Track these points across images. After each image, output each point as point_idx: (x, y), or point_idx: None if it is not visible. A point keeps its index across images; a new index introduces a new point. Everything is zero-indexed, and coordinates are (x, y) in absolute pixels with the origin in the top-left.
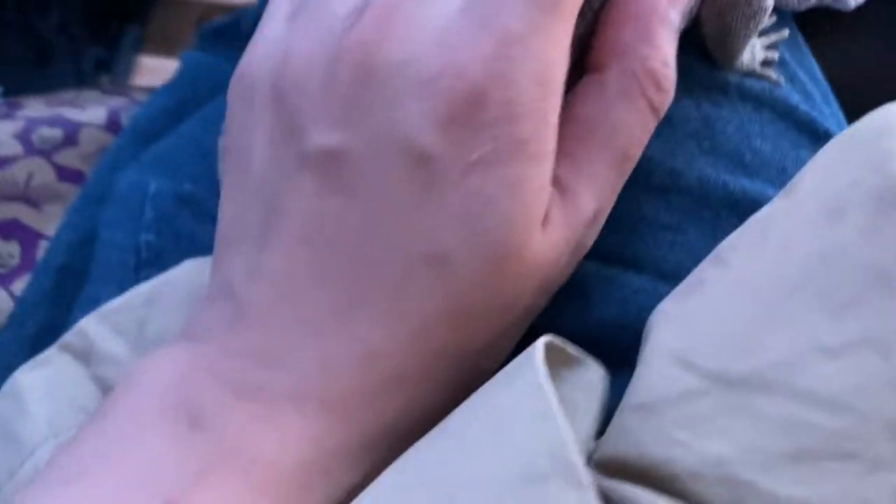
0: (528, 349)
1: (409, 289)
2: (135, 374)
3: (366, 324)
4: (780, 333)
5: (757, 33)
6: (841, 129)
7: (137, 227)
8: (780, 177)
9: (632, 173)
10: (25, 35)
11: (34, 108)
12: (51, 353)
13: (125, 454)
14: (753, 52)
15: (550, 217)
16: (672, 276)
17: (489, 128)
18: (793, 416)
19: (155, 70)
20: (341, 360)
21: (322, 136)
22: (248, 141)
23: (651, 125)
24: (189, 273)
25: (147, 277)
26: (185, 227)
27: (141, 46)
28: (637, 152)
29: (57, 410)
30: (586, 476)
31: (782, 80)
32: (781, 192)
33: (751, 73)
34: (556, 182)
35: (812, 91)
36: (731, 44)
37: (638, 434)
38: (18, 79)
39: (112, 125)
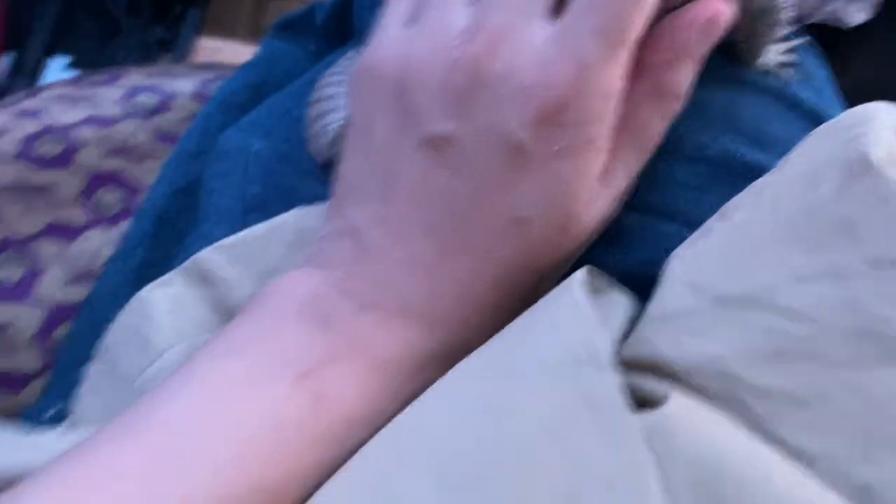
0: (570, 276)
1: (496, 243)
2: (275, 285)
3: (461, 267)
4: (766, 264)
5: (776, 39)
6: None
7: (244, 179)
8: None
9: (668, 145)
10: (98, 14)
11: (134, 77)
12: (171, 276)
13: (272, 339)
14: (773, 55)
15: (597, 192)
16: (697, 225)
17: (568, 128)
18: (773, 326)
19: (212, 50)
20: (440, 292)
21: (438, 125)
22: (371, 120)
23: (665, 126)
24: (297, 219)
25: (255, 220)
26: (286, 181)
27: (200, 28)
28: (652, 147)
29: (179, 322)
30: (612, 363)
31: (796, 78)
32: (775, 167)
33: (769, 72)
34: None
35: (822, 89)
36: (755, 47)
37: (654, 340)
38: (87, 52)
39: (199, 96)
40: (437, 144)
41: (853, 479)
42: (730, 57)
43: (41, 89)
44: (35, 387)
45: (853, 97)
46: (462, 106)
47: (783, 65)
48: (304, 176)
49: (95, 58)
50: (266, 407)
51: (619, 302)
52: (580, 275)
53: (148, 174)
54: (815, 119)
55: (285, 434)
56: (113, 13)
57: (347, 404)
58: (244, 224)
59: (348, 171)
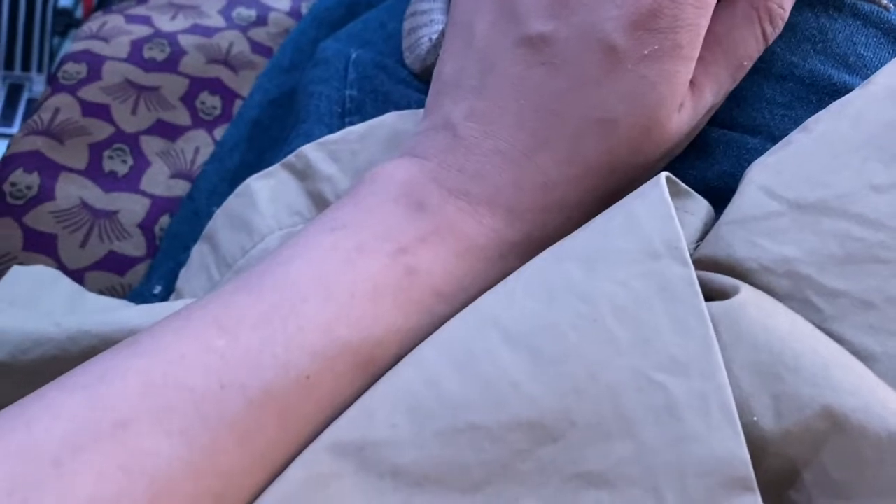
0: (654, 178)
1: (582, 141)
2: (375, 172)
3: (548, 161)
4: (843, 174)
5: None
6: None
7: (342, 84)
8: None
9: (758, 63)
10: None
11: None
12: (275, 169)
13: (373, 218)
14: None
15: (685, 103)
16: (780, 139)
17: (660, 33)
18: (846, 232)
19: None
20: (526, 184)
21: (538, 24)
22: (472, 18)
23: (761, 46)
24: (393, 121)
25: (352, 122)
26: (382, 87)
27: None
28: (748, 65)
29: (279, 211)
30: (688, 258)
31: (891, 6)
32: (860, 86)
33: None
34: (693, 78)
35: None
36: None
37: (729, 240)
38: None
39: (294, 12)
40: (535, 43)
41: None
42: None
43: None
44: (138, 271)
45: None
46: (561, 7)
47: None
48: (399, 83)
49: None
50: (367, 274)
51: (699, 206)
52: (663, 176)
53: (245, 83)
54: None
55: (382, 299)
56: None
57: (436, 279)
58: (342, 126)
59: (446, 70)
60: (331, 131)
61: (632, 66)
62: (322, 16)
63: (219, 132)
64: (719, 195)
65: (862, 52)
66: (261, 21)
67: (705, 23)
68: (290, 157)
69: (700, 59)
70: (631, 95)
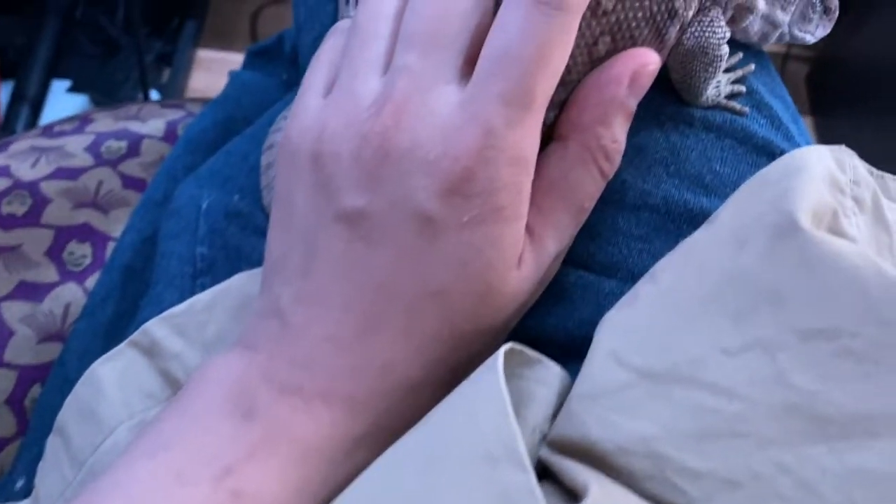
0: (493, 356)
1: (416, 315)
2: (202, 372)
3: (383, 341)
4: (692, 337)
5: (719, 74)
6: (807, 143)
7: (193, 239)
8: None
9: (609, 193)
10: (95, 35)
11: (103, 122)
12: (122, 349)
13: (196, 432)
14: (719, 87)
15: (524, 258)
16: (639, 278)
17: (476, 198)
18: (700, 403)
19: (212, 62)
20: (363, 369)
21: (352, 199)
22: (291, 193)
23: (601, 185)
24: (240, 284)
25: (203, 284)
26: (233, 240)
27: (199, 40)
28: (589, 205)
29: (129, 396)
30: (528, 462)
31: (746, 109)
32: (705, 223)
33: (716, 106)
34: (528, 229)
35: (779, 114)
36: (694, 86)
37: (581, 417)
38: (87, 74)
39: (169, 136)
40: (351, 218)
41: None
42: (672, 94)
43: (10, 142)
44: (11, 451)
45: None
46: (372, 180)
47: (731, 96)
48: (251, 233)
49: (95, 79)
50: None
51: (551, 374)
52: (501, 355)
53: (117, 223)
54: (769, 153)
55: None
56: (110, 32)
57: (268, 499)
58: (193, 289)
59: (272, 246)
60: (181, 296)
61: (453, 234)
62: (196, 139)
63: (92, 282)
64: (581, 345)
65: (718, 168)
66: (132, 152)
67: (527, 178)
68: (136, 335)
69: (537, 206)
70: (457, 264)
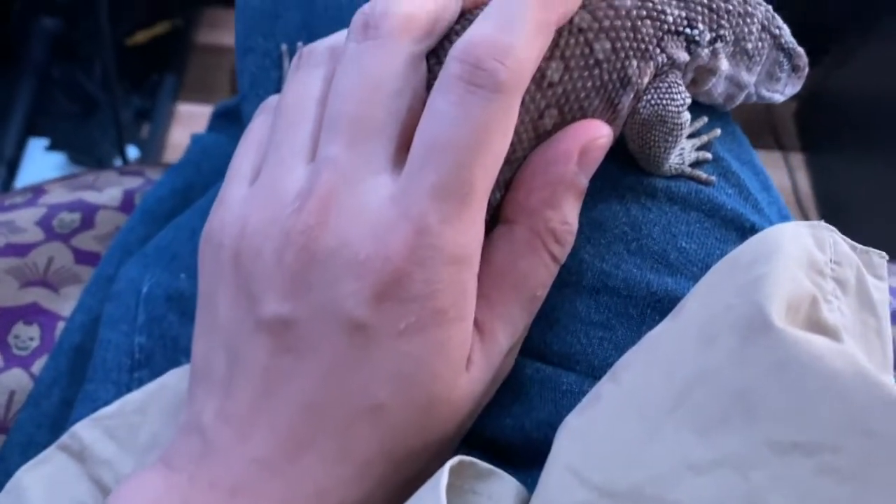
0: (437, 474)
1: (351, 434)
2: (120, 491)
3: (315, 464)
4: (656, 450)
5: (681, 141)
6: (780, 214)
7: (132, 329)
8: (704, 272)
9: (566, 276)
10: (73, 92)
11: (57, 193)
12: (50, 453)
13: None
14: (683, 155)
15: (473, 358)
16: (600, 371)
17: (413, 302)
18: None
19: (192, 116)
20: (293, 496)
21: (274, 305)
22: (213, 294)
23: (553, 270)
24: (175, 382)
25: (140, 379)
26: (172, 330)
27: (178, 95)
28: (542, 293)
29: None
30: None
31: (713, 179)
32: (671, 314)
33: (680, 175)
34: (476, 324)
35: (748, 183)
36: (654, 157)
37: None
38: (64, 131)
39: (126, 205)
40: (273, 327)
41: None
42: (633, 164)
43: None
44: None
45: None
46: (296, 284)
47: (696, 163)
48: (190, 321)
49: (73, 137)
50: None
51: (505, 487)
52: (445, 474)
53: (68, 302)
54: (738, 226)
55: None
56: (87, 89)
57: None
58: (130, 384)
59: (197, 351)
60: (118, 391)
61: (389, 344)
62: (153, 209)
63: (39, 366)
64: (539, 449)
65: (684, 244)
66: (87, 224)
67: (470, 276)
68: (65, 438)
69: (485, 298)
70: (395, 376)
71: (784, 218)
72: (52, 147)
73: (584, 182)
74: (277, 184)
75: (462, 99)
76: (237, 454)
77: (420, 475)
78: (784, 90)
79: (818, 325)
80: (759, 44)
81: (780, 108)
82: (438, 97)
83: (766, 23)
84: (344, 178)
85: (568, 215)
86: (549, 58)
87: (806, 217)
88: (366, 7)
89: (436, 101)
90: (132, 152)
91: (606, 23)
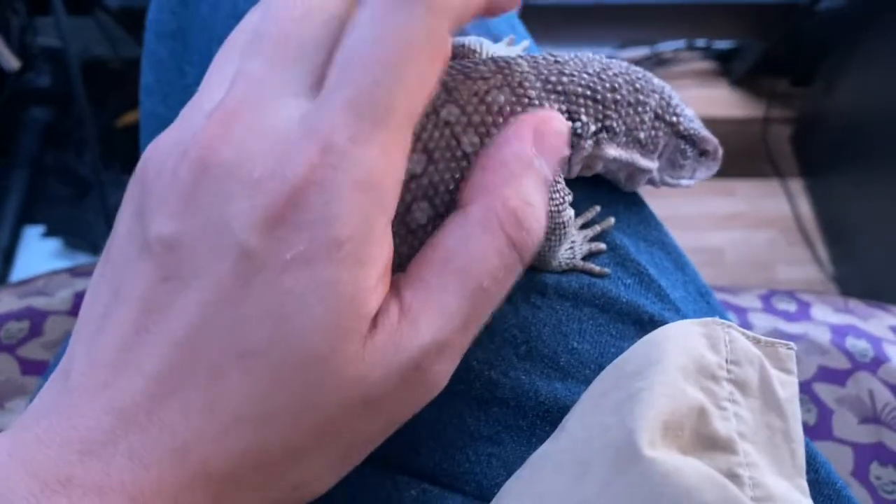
0: None
1: (219, 383)
2: None
3: (176, 415)
4: None
5: (569, 236)
6: (698, 292)
7: None
8: (598, 373)
9: (456, 386)
10: (64, 175)
11: (6, 302)
12: None
13: None
14: (574, 248)
15: (377, 334)
16: (489, 493)
17: (306, 229)
18: None
19: None
20: (150, 453)
21: (161, 225)
22: (116, 225)
23: (511, 261)
24: None
25: None
26: None
27: None
28: (494, 288)
29: None
30: None
31: (607, 270)
32: (554, 432)
33: (571, 270)
34: (401, 302)
35: (650, 269)
36: (541, 254)
37: None
38: (58, 217)
39: (77, 308)
40: (155, 251)
41: None
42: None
43: None
44: None
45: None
46: (186, 201)
47: (589, 256)
48: None
49: (68, 222)
50: None
51: None
52: None
53: (13, 416)
54: (635, 318)
55: None
56: (80, 173)
57: None
58: None
59: (88, 291)
60: None
61: (273, 276)
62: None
63: None
64: None
65: (576, 345)
66: (35, 332)
67: (380, 212)
68: None
69: (422, 281)
70: (273, 317)
71: (701, 296)
72: (48, 234)
73: (544, 170)
74: (198, 102)
75: (385, 13)
76: (95, 405)
77: (301, 466)
78: (694, 175)
79: (707, 440)
80: (653, 132)
81: (775, 134)
82: (363, 10)
83: (659, 111)
84: (258, 93)
85: (530, 196)
86: (411, 150)
87: (811, 244)
88: None
89: (360, 15)
90: None
91: (477, 118)
